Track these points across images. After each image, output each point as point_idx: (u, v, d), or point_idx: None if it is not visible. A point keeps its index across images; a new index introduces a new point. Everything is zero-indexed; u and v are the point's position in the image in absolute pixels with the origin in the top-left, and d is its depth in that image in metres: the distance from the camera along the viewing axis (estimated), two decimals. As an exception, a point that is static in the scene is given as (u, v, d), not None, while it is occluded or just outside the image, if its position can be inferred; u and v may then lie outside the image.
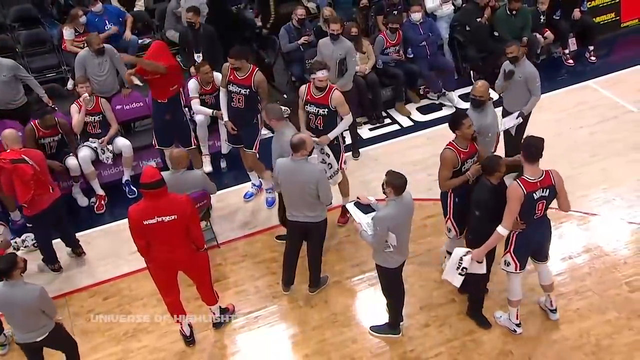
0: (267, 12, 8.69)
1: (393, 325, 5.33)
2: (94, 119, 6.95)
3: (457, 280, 4.99)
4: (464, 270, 4.89)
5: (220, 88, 6.56)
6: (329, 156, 5.96)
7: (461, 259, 4.89)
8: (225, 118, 6.55)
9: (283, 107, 7.21)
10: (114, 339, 5.54)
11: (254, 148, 6.54)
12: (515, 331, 5.25)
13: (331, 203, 5.48)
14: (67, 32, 7.92)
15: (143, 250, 4.94)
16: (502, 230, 4.74)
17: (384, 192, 4.75)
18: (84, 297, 5.97)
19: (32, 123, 6.66)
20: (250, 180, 7.03)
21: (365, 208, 5.02)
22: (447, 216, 5.47)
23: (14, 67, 7.03)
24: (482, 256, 4.88)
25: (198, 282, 5.26)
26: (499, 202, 4.77)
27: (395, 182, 4.68)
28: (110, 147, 7.02)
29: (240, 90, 6.28)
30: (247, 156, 6.67)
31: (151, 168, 4.88)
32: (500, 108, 6.60)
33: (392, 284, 5.15)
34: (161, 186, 4.69)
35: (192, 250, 4.96)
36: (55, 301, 5.86)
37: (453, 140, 5.21)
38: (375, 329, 5.40)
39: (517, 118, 6.35)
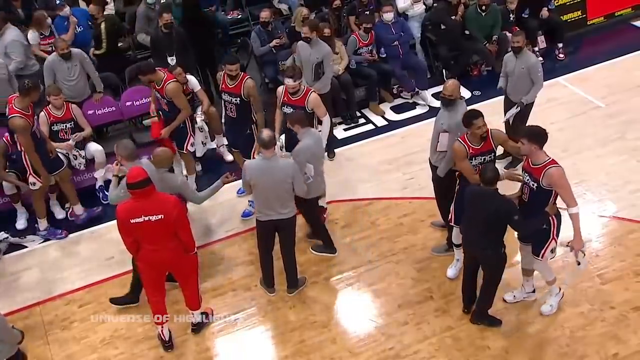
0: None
1: (329, 244, 6.04)
2: (66, 126, 6.80)
3: (583, 267, 5.18)
4: (579, 263, 5.11)
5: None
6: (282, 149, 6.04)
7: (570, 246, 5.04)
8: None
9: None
10: (89, 347, 5.46)
11: (250, 157, 6.38)
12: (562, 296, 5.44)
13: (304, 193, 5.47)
14: (32, 36, 7.76)
15: (131, 248, 4.93)
16: (575, 209, 4.93)
17: (294, 131, 5.53)
18: (59, 305, 5.87)
19: (4, 139, 6.43)
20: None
21: None
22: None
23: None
24: (582, 243, 5.03)
25: (184, 284, 5.24)
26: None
27: (294, 117, 5.59)
28: (82, 152, 6.91)
29: (231, 99, 6.20)
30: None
31: (137, 168, 4.85)
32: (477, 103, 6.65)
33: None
34: (147, 185, 4.69)
35: (179, 251, 4.94)
36: (28, 310, 5.83)
37: (466, 135, 5.27)
38: (316, 248, 6.12)
39: (516, 108, 6.64)
